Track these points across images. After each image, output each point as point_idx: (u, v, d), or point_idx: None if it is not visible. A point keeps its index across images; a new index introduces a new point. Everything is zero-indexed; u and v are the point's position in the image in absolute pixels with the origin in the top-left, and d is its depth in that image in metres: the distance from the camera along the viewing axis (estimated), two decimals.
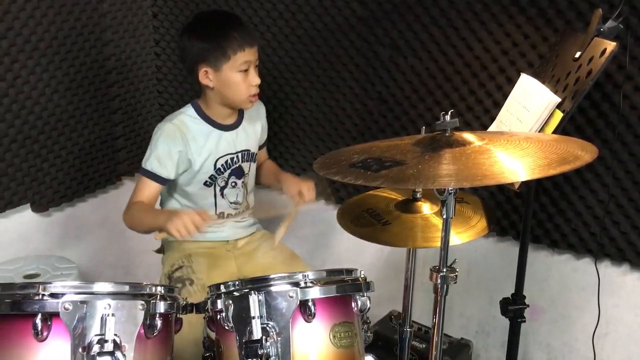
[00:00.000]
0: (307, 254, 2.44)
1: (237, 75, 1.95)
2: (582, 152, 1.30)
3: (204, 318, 1.51)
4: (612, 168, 1.91)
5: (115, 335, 1.21)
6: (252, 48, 1.95)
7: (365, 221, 1.74)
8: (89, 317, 1.21)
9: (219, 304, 1.40)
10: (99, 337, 1.20)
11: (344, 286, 1.45)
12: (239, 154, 2.10)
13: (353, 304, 1.47)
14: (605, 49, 1.53)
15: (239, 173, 2.12)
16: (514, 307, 1.87)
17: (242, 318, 1.35)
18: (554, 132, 1.59)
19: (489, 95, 2.06)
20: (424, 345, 2.11)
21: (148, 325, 1.29)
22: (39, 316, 1.18)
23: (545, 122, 1.62)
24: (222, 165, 2.07)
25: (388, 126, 2.29)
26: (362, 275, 1.51)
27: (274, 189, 2.31)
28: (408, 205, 1.74)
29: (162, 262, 2.15)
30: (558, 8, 1.86)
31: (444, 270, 1.42)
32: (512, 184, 1.65)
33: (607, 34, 1.58)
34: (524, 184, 1.68)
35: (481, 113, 2.09)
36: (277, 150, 2.54)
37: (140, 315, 1.26)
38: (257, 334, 1.32)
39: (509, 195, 2.13)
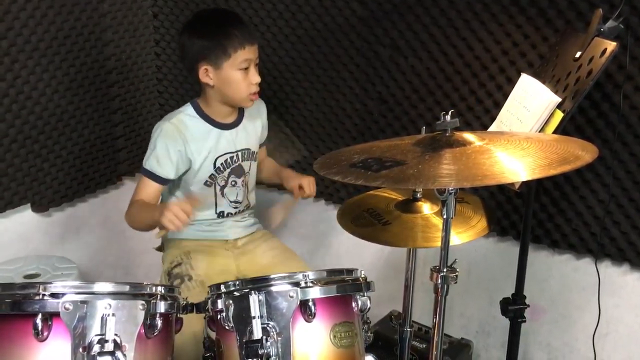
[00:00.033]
0: (307, 254, 2.45)
1: (238, 74, 1.95)
2: (583, 152, 1.30)
3: (205, 318, 1.51)
4: (612, 168, 1.91)
5: (116, 335, 1.21)
6: (252, 46, 1.96)
7: (366, 221, 1.74)
8: (90, 317, 1.21)
9: (220, 304, 1.40)
10: (99, 337, 1.20)
11: (345, 286, 1.45)
12: (239, 153, 2.10)
13: (353, 304, 1.47)
14: (605, 49, 1.53)
15: (239, 172, 2.12)
16: (514, 307, 1.87)
17: (243, 318, 1.35)
18: (555, 132, 1.59)
19: (489, 95, 2.06)
20: (424, 345, 2.11)
21: (148, 325, 1.29)
22: (40, 316, 1.18)
23: (546, 122, 1.62)
24: (221, 164, 2.07)
25: (388, 126, 2.29)
26: (363, 275, 1.51)
27: (274, 183, 2.34)
28: (408, 205, 1.74)
29: (162, 259, 2.15)
30: (558, 8, 1.86)
31: (444, 270, 1.42)
32: (512, 184, 1.65)
33: (608, 34, 1.58)
34: (525, 184, 1.68)
35: (481, 113, 2.09)
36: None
37: (141, 315, 1.26)
38: (257, 333, 1.32)
39: (510, 195, 2.13)
